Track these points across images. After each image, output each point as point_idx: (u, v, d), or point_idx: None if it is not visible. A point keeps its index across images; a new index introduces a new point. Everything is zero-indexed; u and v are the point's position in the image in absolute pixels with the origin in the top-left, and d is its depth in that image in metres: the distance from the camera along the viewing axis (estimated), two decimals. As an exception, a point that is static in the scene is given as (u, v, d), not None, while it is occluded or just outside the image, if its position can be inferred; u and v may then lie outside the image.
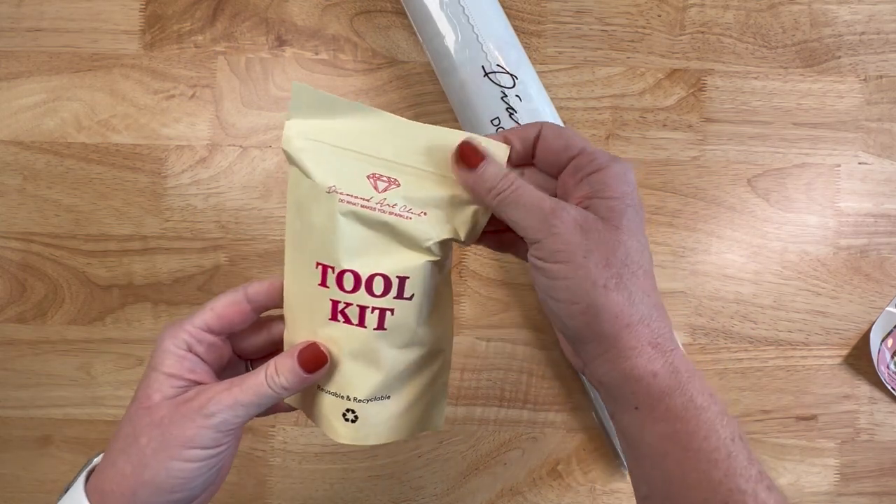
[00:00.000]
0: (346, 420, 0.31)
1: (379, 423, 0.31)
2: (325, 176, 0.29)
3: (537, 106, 0.44)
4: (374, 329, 0.30)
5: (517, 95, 0.43)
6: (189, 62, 0.50)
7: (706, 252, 0.50)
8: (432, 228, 0.30)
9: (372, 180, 0.29)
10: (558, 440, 0.50)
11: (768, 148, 0.50)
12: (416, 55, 0.50)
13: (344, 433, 0.31)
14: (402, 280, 0.29)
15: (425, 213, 0.29)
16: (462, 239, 0.30)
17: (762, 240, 0.50)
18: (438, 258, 0.30)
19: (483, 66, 0.43)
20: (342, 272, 0.29)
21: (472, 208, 0.30)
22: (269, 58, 0.50)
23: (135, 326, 0.50)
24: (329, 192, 0.28)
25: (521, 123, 0.43)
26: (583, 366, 0.31)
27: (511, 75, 0.43)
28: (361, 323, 0.30)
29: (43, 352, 0.50)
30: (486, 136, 0.31)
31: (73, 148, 0.50)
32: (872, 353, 0.50)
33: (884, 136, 0.51)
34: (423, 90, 0.50)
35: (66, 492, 0.31)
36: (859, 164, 0.51)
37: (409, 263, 0.29)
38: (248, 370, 0.35)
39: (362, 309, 0.29)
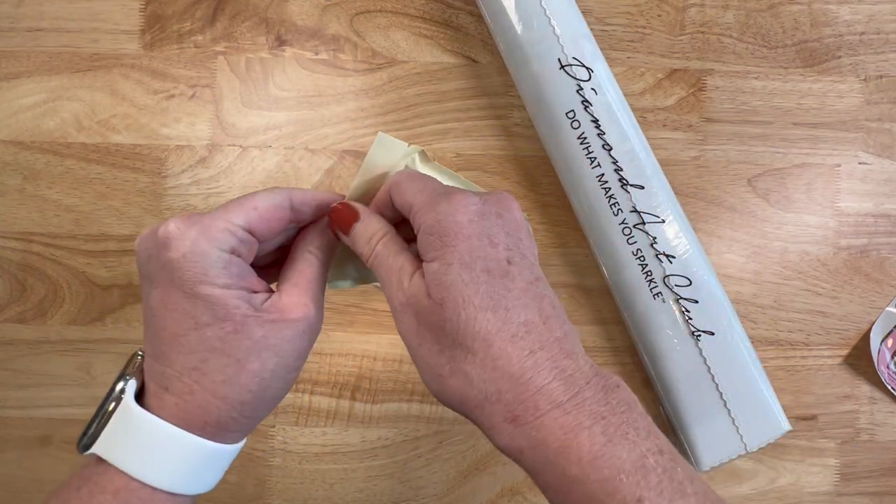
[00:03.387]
0: None
1: None
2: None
3: (610, 99, 0.44)
4: None
5: (593, 88, 0.43)
6: (189, 62, 0.50)
7: (706, 252, 0.50)
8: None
9: None
10: (558, 440, 0.50)
11: (768, 148, 0.50)
12: (416, 55, 0.50)
13: None
14: None
15: None
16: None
17: (762, 240, 0.50)
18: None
19: (559, 59, 0.43)
20: None
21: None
22: (269, 58, 0.50)
23: (135, 326, 0.50)
24: None
25: (596, 117, 0.43)
26: None
27: (587, 68, 0.43)
28: None
29: (43, 352, 0.50)
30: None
31: (73, 148, 0.50)
32: (872, 353, 0.50)
33: (884, 136, 0.51)
34: (423, 90, 0.50)
35: (91, 442, 0.28)
36: (859, 164, 0.51)
37: None
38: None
39: None
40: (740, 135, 0.50)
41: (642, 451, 0.25)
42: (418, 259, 0.29)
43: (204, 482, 0.29)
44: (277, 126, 0.50)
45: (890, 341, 0.50)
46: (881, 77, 0.51)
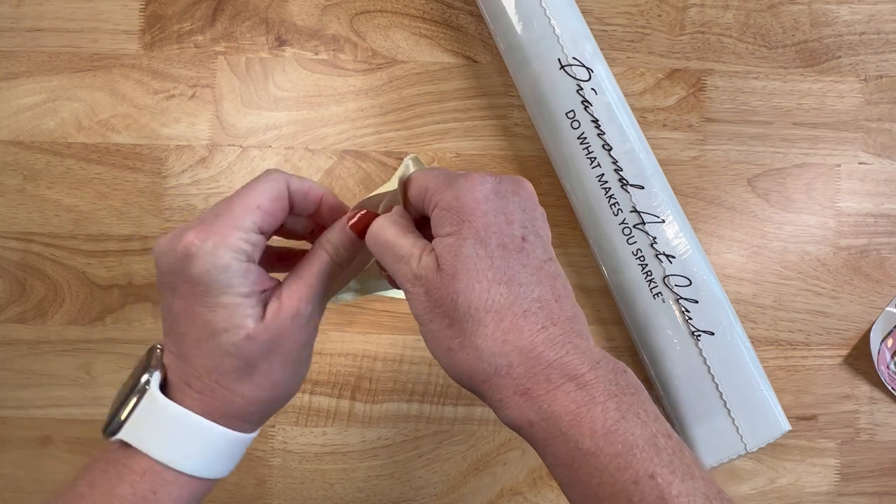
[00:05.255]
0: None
1: None
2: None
3: (610, 99, 0.44)
4: None
5: (593, 89, 0.43)
6: (189, 62, 0.50)
7: (706, 252, 0.50)
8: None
9: None
10: (558, 440, 0.50)
11: (768, 148, 0.50)
12: (416, 55, 0.50)
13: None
14: None
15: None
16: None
17: (762, 240, 0.50)
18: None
19: (559, 59, 0.43)
20: None
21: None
22: (269, 58, 0.50)
23: (135, 326, 0.50)
24: None
25: (596, 117, 0.43)
26: None
27: (587, 68, 0.43)
28: None
29: (43, 352, 0.50)
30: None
31: (73, 148, 0.50)
32: (872, 353, 0.50)
33: (884, 136, 0.51)
34: (423, 90, 0.50)
35: (109, 436, 0.29)
36: (859, 164, 0.51)
37: None
38: None
39: None
40: (740, 135, 0.50)
41: (653, 431, 0.26)
42: (426, 240, 0.30)
43: (222, 467, 0.31)
44: (277, 126, 0.50)
45: (890, 341, 0.50)
46: (881, 77, 0.51)
